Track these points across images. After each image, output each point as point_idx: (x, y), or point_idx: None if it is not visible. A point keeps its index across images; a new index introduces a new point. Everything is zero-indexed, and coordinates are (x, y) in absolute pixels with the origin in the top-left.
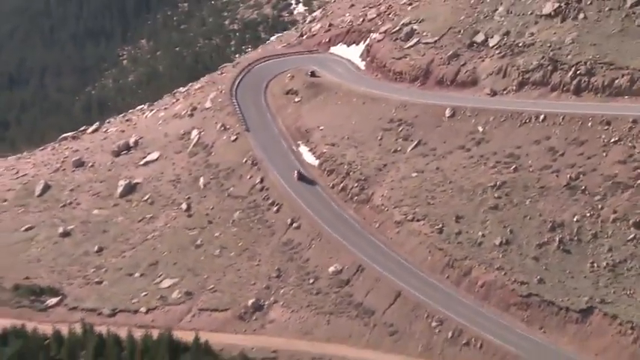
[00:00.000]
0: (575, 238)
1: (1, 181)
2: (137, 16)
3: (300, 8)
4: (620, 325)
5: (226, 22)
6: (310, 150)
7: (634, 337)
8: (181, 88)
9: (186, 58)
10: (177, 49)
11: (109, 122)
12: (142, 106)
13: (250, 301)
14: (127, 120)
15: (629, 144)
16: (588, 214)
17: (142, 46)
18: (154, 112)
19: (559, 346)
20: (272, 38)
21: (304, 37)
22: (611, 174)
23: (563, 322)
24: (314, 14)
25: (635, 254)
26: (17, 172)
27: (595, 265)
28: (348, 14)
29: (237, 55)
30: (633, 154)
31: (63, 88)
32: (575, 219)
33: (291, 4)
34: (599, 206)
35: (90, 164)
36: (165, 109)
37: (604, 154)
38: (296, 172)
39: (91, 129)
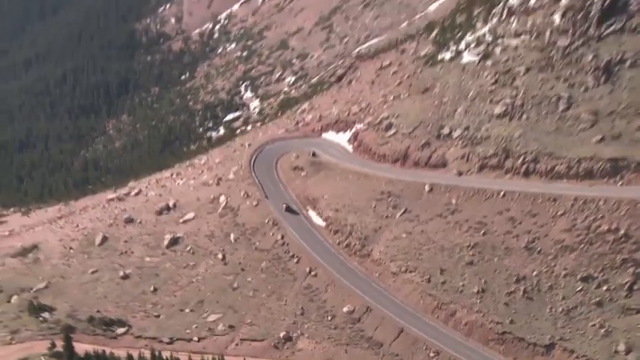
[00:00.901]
0: (536, 288)
1: (65, 232)
2: (118, 96)
3: (248, 94)
4: (576, 357)
5: (190, 103)
6: (318, 214)
7: None
8: (196, 160)
9: (161, 129)
10: (152, 122)
11: (146, 187)
12: (170, 173)
13: (282, 334)
14: (163, 186)
15: (573, 216)
16: (544, 270)
17: (123, 120)
18: (184, 180)
19: None
20: (228, 116)
21: (300, 124)
22: (560, 239)
23: (532, 355)
24: (303, 107)
25: (583, 302)
26: (77, 226)
27: (553, 310)
28: (334, 108)
29: (200, 129)
30: (576, 224)
31: (63, 151)
32: (534, 273)
33: (241, 90)
34: (553, 264)
35: (138, 221)
36: (194, 178)
37: (553, 223)
38: (284, 205)
39: (133, 192)
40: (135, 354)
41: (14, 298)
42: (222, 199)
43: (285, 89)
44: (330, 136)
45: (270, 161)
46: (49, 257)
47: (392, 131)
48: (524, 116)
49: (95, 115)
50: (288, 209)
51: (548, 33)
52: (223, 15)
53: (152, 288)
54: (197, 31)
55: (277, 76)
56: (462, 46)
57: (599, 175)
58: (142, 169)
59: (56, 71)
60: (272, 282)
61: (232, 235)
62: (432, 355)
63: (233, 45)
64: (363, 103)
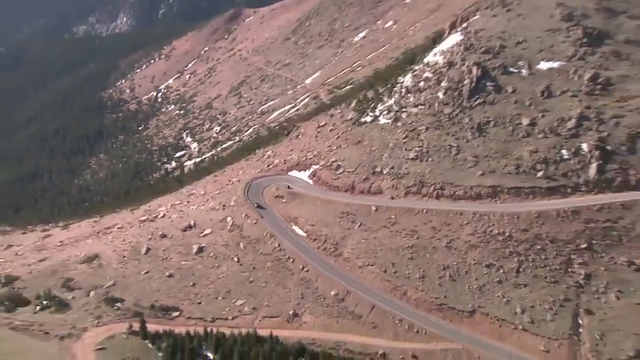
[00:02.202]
0: (457, 273)
1: (116, 245)
2: (96, 142)
3: (189, 139)
4: (490, 318)
5: (148, 146)
6: (299, 227)
7: (498, 325)
8: (201, 191)
9: (130, 164)
10: (123, 159)
11: (167, 211)
12: (179, 201)
13: (290, 312)
14: (180, 211)
15: (474, 225)
16: (460, 261)
17: (102, 158)
18: (196, 206)
19: (461, 330)
20: (177, 154)
21: (270, 166)
22: (467, 240)
23: (461, 318)
24: (267, 153)
25: (489, 281)
26: (124, 240)
27: (470, 287)
28: (293, 154)
29: (158, 163)
30: (477, 230)
31: (63, 181)
32: (454, 264)
33: (183, 136)
34: (465, 257)
35: (170, 236)
36: (203, 205)
37: (461, 230)
38: (256, 204)
39: (160, 216)
40: (191, 330)
41: (92, 293)
42: (228, 219)
43: (214, 135)
44: (294, 174)
45: (257, 192)
46: (110, 263)
47: (340, 170)
48: (430, 159)
49: (82, 155)
50: (259, 206)
51: (436, 104)
52: (162, 86)
53: (191, 283)
54: (146, 97)
55: (207, 126)
56: (377, 112)
57: (485, 197)
58: (121, 192)
59: (50, 126)
60: (277, 276)
61: (241, 244)
62: (396, 321)
63: (172, 106)
64: (315, 151)
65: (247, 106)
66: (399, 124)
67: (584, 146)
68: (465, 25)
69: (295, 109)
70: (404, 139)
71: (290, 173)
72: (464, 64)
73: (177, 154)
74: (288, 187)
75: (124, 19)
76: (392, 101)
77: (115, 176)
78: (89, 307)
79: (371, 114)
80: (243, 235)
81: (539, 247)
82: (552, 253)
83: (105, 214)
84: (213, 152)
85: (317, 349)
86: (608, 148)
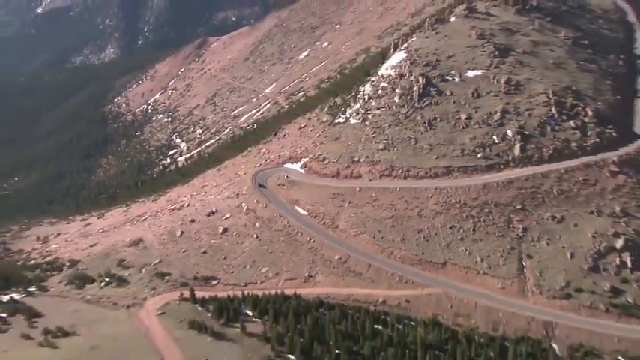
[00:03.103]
0: (429, 235)
1: (153, 230)
2: (104, 147)
3: (178, 140)
4: (458, 267)
5: (146, 147)
6: (301, 208)
7: (465, 272)
8: (213, 183)
9: (133, 162)
10: (127, 159)
11: (190, 201)
12: (197, 192)
13: (305, 274)
14: (201, 200)
15: (437, 197)
16: (430, 225)
17: (110, 159)
18: (213, 196)
19: (438, 277)
20: (170, 152)
21: (267, 161)
22: (434, 209)
23: (436, 268)
24: (262, 150)
25: (453, 239)
26: (160, 226)
27: (440, 244)
28: (284, 151)
29: (156, 160)
30: (439, 200)
31: (82, 178)
32: (425, 227)
33: (173, 139)
34: (433, 222)
35: (198, 221)
36: (219, 195)
37: (428, 201)
38: (258, 184)
39: (185, 205)
40: (230, 293)
41: (143, 270)
42: (243, 205)
43: (197, 136)
44: (288, 166)
45: (262, 181)
46: (152, 245)
47: (326, 161)
48: (395, 149)
49: (93, 158)
50: (260, 185)
51: (394, 106)
52: (151, 100)
53: (223, 257)
54: (139, 109)
55: (191, 130)
56: (348, 115)
57: (441, 175)
58: (131, 184)
59: (65, 137)
60: (290, 247)
61: (257, 224)
62: (389, 275)
63: (161, 115)
64: (302, 147)
65: (221, 112)
66: (366, 123)
67: (509, 132)
68: (405, 45)
69: (260, 112)
70: (372, 134)
71: (285, 166)
72: (411, 75)
73: (170, 153)
74: (287, 177)
75: (111, 49)
76: (358, 105)
77: (123, 173)
78: (144, 281)
79: (342, 116)
80: (257, 216)
81: (487, 210)
82: (497, 214)
83: (121, 203)
84: (199, 149)
85: (332, 301)
86: (526, 132)
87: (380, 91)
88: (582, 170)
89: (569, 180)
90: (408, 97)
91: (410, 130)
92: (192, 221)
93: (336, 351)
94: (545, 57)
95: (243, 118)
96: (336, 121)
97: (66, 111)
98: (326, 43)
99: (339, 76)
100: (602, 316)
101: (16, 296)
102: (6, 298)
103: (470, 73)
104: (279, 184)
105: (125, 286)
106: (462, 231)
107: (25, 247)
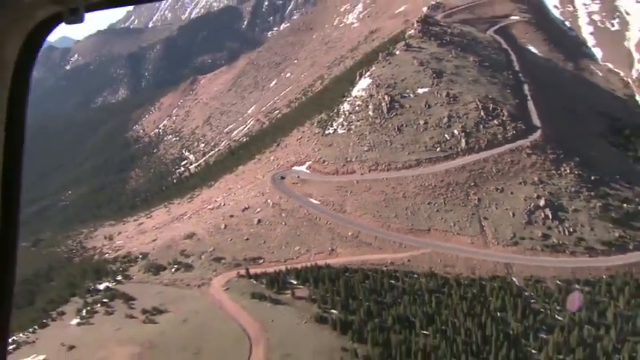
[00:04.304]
0: (414, 210)
1: (201, 225)
2: (131, 163)
3: (187, 153)
4: (439, 231)
5: (164, 160)
6: (314, 199)
7: (444, 234)
8: (238, 185)
9: (156, 172)
10: (151, 170)
11: (224, 200)
12: (226, 194)
13: (329, 248)
14: (234, 200)
15: (415, 182)
16: (413, 203)
17: (137, 172)
18: (242, 195)
19: (425, 240)
20: (183, 162)
21: (278, 166)
22: (414, 191)
23: (424, 234)
24: (271, 157)
25: (431, 212)
26: (206, 222)
27: (421, 215)
28: (291, 156)
29: (173, 169)
30: (417, 185)
31: (118, 187)
32: (411, 204)
33: (183, 152)
34: (415, 200)
35: (236, 215)
36: (247, 194)
37: (408, 186)
38: (280, 176)
39: (221, 204)
40: (275, 269)
41: (202, 257)
42: (269, 201)
43: (201, 149)
44: (296, 168)
45: (280, 181)
46: (204, 237)
47: (326, 163)
48: (376, 149)
49: (125, 171)
50: (281, 177)
51: (369, 118)
52: (161, 125)
53: (263, 241)
54: (152, 133)
55: (196, 145)
56: (335, 126)
57: (415, 166)
58: (158, 189)
59: (100, 159)
60: (313, 229)
61: (283, 214)
62: (392, 243)
63: (170, 136)
64: (304, 154)
65: (217, 130)
66: (351, 132)
67: (455, 131)
68: (369, 73)
69: (247, 128)
70: (357, 140)
71: (293, 168)
72: (379, 95)
73: (182, 163)
74: (298, 177)
75: (122, 91)
76: (341, 119)
77: (150, 181)
78: (205, 265)
79: (331, 128)
80: (282, 208)
81: (451, 189)
82: (458, 190)
83: (157, 204)
84: (204, 159)
85: (354, 267)
86: (467, 130)
87: (357, 108)
88: (508, 154)
89: (501, 161)
90: (379, 111)
91: (385, 135)
92: (231, 216)
93: (366, 303)
94: (466, 76)
95: (235, 132)
96: (327, 132)
97: (97, 140)
98: (289, 74)
99: (306, 96)
100: (540, 254)
101: (108, 285)
102: (101, 286)
103: (420, 91)
104: (293, 183)
105: (191, 271)
106: (436, 205)
107: (97, 244)
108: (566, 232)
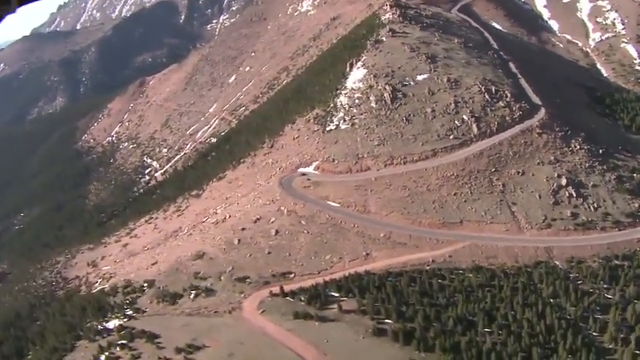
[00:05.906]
0: (442, 202)
1: (208, 242)
2: (87, 176)
3: (149, 160)
4: (472, 222)
5: (124, 170)
6: (332, 202)
7: (477, 225)
8: (239, 194)
9: (117, 183)
10: (112, 182)
11: (229, 213)
12: (229, 204)
13: (364, 253)
14: (240, 210)
15: (437, 173)
16: (439, 195)
17: (95, 185)
18: (249, 205)
19: (460, 232)
20: (146, 170)
21: (282, 169)
22: (437, 182)
23: (457, 227)
24: (269, 160)
25: (459, 203)
26: (214, 238)
27: (452, 208)
28: (294, 158)
29: (137, 178)
30: (439, 176)
31: (78, 205)
32: (437, 197)
33: (144, 160)
34: (440, 192)
35: (248, 228)
36: (253, 203)
37: (430, 178)
38: (301, 173)
39: (228, 217)
40: (312, 282)
41: (222, 278)
42: (282, 208)
43: (164, 154)
44: (303, 169)
45: (289, 186)
46: (217, 256)
47: (336, 161)
48: (389, 142)
49: (81, 186)
50: (303, 174)
51: (374, 110)
52: (113, 133)
53: (287, 254)
54: (105, 141)
55: (157, 150)
56: (336, 121)
57: (431, 157)
58: (125, 202)
59: (51, 174)
60: (340, 235)
61: (302, 222)
62: (427, 240)
63: (126, 143)
64: (307, 154)
65: (178, 133)
66: (356, 127)
67: (465, 117)
68: (361, 62)
69: (212, 128)
70: (365, 134)
71: (299, 170)
72: (378, 85)
73: (146, 171)
74: (308, 179)
75: (60, 99)
76: (341, 114)
77: (113, 194)
78: (229, 287)
79: (332, 124)
80: (299, 215)
81: (474, 176)
82: (481, 177)
83: (129, 220)
84: (170, 164)
85: (395, 270)
86: (477, 115)
87: (357, 100)
88: (520, 135)
89: (516, 144)
90: (383, 102)
91: (394, 126)
92: (243, 229)
93: (421, 308)
94: (457, 59)
95: (199, 134)
96: (328, 128)
97: (44, 153)
98: (248, 68)
99: (273, 89)
100: (573, 233)
101: (119, 322)
102: (110, 325)
103: (419, 77)
104: (305, 186)
105: (214, 295)
106: (463, 195)
107: (79, 273)
108: (592, 209)
